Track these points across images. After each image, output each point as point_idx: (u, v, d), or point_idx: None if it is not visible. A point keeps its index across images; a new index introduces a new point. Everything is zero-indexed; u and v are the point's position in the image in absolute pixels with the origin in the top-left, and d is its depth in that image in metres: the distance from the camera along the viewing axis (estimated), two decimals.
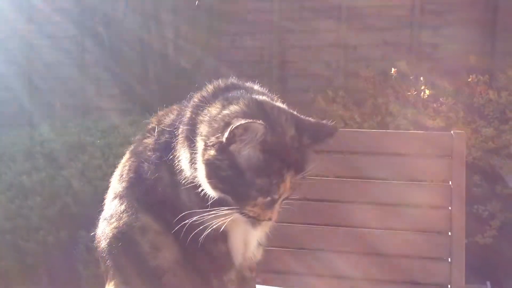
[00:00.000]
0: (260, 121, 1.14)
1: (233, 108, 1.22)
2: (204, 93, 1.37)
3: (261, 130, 1.14)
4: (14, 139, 4.20)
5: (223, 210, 1.22)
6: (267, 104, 1.26)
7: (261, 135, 1.15)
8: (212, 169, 1.19)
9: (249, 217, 1.23)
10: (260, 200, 1.20)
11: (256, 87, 1.44)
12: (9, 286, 3.65)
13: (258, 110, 1.22)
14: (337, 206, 2.11)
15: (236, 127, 1.13)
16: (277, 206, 1.23)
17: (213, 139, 1.19)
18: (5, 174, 3.71)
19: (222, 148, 1.18)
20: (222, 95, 1.31)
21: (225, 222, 1.29)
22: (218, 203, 1.25)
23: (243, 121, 1.13)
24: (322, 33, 5.87)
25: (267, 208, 1.21)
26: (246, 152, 1.17)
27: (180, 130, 1.32)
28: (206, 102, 1.31)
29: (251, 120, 1.14)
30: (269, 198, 1.20)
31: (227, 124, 1.17)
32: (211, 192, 1.23)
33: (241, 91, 1.33)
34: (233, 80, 1.44)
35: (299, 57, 5.98)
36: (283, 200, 1.24)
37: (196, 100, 1.35)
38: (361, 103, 4.76)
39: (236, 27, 5.77)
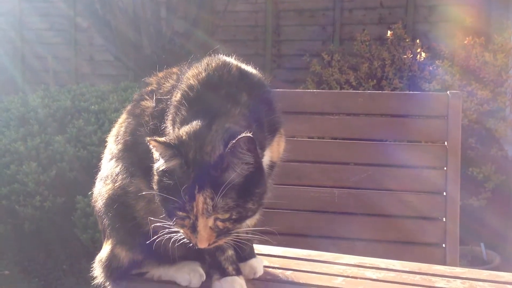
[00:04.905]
0: (169, 141, 1.16)
1: (182, 129, 1.21)
2: (191, 80, 1.31)
3: (168, 150, 1.16)
4: (7, 105, 4.17)
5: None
6: (206, 127, 1.20)
7: (170, 154, 1.17)
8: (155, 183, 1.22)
9: (186, 239, 1.20)
10: (186, 220, 1.16)
11: (245, 67, 1.39)
12: (6, 251, 3.68)
13: (195, 131, 1.19)
14: (333, 167, 2.11)
15: (154, 147, 1.18)
16: (201, 231, 1.14)
17: None
18: (0, 141, 3.70)
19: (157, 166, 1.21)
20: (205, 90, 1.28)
21: None
22: None
23: (156, 142, 1.16)
24: None
25: (193, 232, 1.16)
26: (165, 169, 1.18)
27: (171, 108, 1.32)
28: (185, 100, 1.27)
29: (163, 141, 1.16)
30: (191, 220, 1.15)
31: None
32: None
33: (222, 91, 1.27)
34: (224, 58, 1.38)
35: (294, 21, 5.93)
36: (215, 224, 1.16)
37: (179, 94, 1.31)
38: (357, 67, 4.74)
39: None
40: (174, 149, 1.16)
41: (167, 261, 1.40)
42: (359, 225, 2.05)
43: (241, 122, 1.22)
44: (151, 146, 1.19)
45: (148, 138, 1.19)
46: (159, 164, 1.20)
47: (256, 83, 1.36)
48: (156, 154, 1.21)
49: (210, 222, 1.15)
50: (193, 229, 1.16)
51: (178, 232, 1.20)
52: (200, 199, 1.12)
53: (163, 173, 1.19)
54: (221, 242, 1.20)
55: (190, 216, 1.14)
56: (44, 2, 6.75)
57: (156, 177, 1.21)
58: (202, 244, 1.17)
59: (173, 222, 1.18)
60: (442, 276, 1.44)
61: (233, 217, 1.15)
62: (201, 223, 1.14)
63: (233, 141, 1.11)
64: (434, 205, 2.01)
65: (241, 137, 1.11)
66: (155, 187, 1.21)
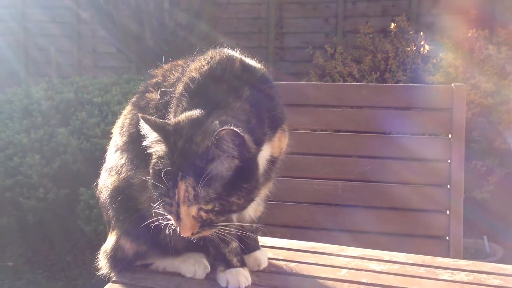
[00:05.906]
0: (161, 124, 1.19)
1: (181, 115, 1.23)
2: (193, 73, 1.32)
3: (157, 132, 1.18)
4: (11, 97, 4.17)
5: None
6: (204, 117, 1.20)
7: (155, 139, 1.19)
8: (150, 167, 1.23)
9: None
10: (172, 207, 1.16)
11: (249, 61, 1.38)
12: (10, 243, 3.69)
13: (191, 120, 1.20)
14: (336, 160, 2.11)
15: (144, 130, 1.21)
16: (184, 219, 1.15)
17: None
18: (3, 133, 3.70)
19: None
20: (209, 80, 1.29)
21: None
22: None
23: (146, 125, 1.19)
24: None
25: (177, 219, 1.17)
26: (155, 152, 1.20)
27: (174, 100, 1.32)
28: (187, 92, 1.28)
29: (155, 123, 1.19)
30: (175, 207, 1.16)
31: None
32: None
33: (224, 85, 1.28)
34: (228, 52, 1.38)
35: (297, 13, 5.91)
36: (199, 214, 1.16)
37: (182, 86, 1.32)
38: (360, 60, 4.72)
39: None
40: (162, 132, 1.18)
41: (172, 252, 1.40)
42: (363, 218, 2.05)
43: (240, 117, 1.22)
44: (141, 122, 1.20)
45: (141, 115, 1.21)
46: (147, 142, 1.21)
47: (259, 78, 1.36)
48: (145, 131, 1.21)
49: (193, 211, 1.15)
50: (177, 216, 1.17)
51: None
52: (182, 186, 1.13)
53: (156, 157, 1.20)
54: (205, 233, 1.20)
55: (173, 202, 1.15)
56: None
57: (152, 160, 1.21)
58: (185, 233, 1.17)
59: (161, 207, 1.19)
60: (446, 269, 1.44)
61: (216, 209, 1.15)
62: (183, 211, 1.15)
63: (216, 133, 1.10)
64: (438, 198, 2.01)
65: (224, 130, 1.10)
66: (150, 171, 1.21)
